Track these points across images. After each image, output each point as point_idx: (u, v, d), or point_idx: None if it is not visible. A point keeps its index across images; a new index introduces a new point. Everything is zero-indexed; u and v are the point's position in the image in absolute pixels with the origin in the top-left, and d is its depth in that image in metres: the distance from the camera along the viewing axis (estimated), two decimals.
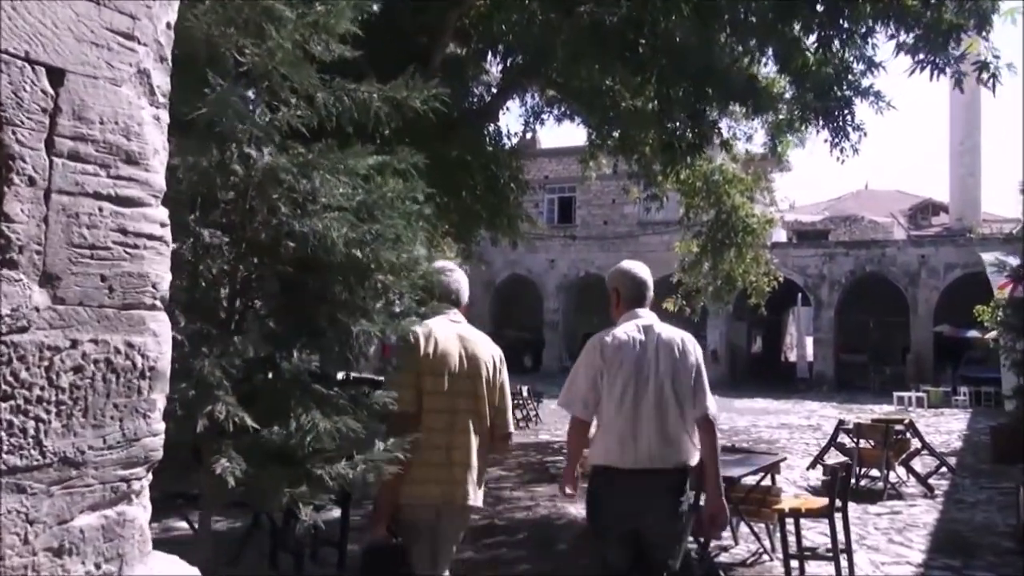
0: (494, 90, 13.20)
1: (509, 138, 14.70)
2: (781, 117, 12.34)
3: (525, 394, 17.12)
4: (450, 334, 3.40)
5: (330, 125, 2.73)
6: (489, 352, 3.53)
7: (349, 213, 2.58)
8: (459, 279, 3.68)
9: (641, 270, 3.79)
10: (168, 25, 1.85)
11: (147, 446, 1.83)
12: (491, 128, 14.12)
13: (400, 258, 2.85)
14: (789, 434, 16.26)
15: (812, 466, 11.05)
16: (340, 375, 3.03)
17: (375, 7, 8.88)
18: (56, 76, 1.59)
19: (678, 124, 9.52)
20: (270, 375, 2.53)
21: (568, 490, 3.59)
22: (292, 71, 2.43)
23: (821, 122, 10.15)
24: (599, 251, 31.87)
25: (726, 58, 8.85)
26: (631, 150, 12.20)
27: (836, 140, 10.13)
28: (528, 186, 15.84)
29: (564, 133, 62.01)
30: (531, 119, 15.41)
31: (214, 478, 2.37)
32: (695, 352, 3.62)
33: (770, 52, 9.02)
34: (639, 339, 3.52)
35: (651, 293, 3.74)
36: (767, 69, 10.45)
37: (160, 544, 1.82)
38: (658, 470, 3.42)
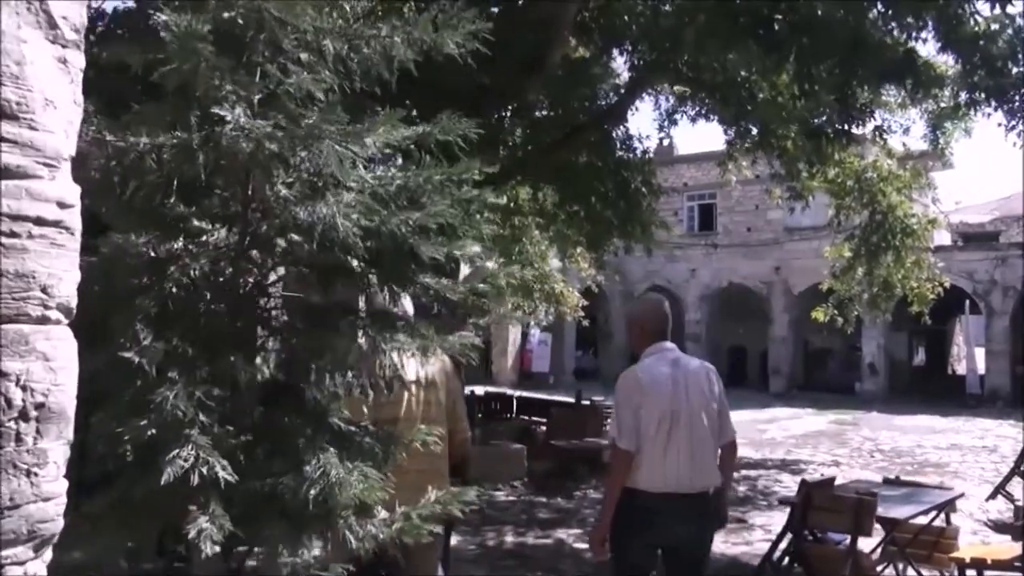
0: (622, 91, 12.45)
1: (640, 141, 13.91)
2: (943, 105, 11.03)
3: None
4: None
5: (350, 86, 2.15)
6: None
7: (366, 196, 1.99)
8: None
9: (663, 304, 4.01)
10: None
11: (32, 516, 1.27)
12: (620, 131, 13.41)
13: (447, 254, 2.22)
14: (961, 456, 14.59)
15: (992, 496, 9.69)
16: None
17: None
18: None
19: (823, 109, 8.49)
20: (272, 406, 1.97)
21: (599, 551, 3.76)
22: (283, 7, 1.87)
23: (993, 104, 8.88)
24: (743, 259, 30.37)
25: (878, 32, 7.79)
26: (772, 146, 11.18)
27: (1012, 123, 8.86)
28: (661, 191, 14.98)
29: (702, 138, 60.09)
30: (664, 121, 14.51)
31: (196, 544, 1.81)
32: (719, 383, 3.87)
33: (930, 22, 7.86)
34: (669, 372, 3.71)
35: (671, 325, 3.93)
36: (927, 49, 9.27)
37: None
38: (689, 494, 3.62)
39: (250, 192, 1.97)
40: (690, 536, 3.67)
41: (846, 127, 8.36)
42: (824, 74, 7.75)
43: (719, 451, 3.78)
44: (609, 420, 9.28)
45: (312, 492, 1.80)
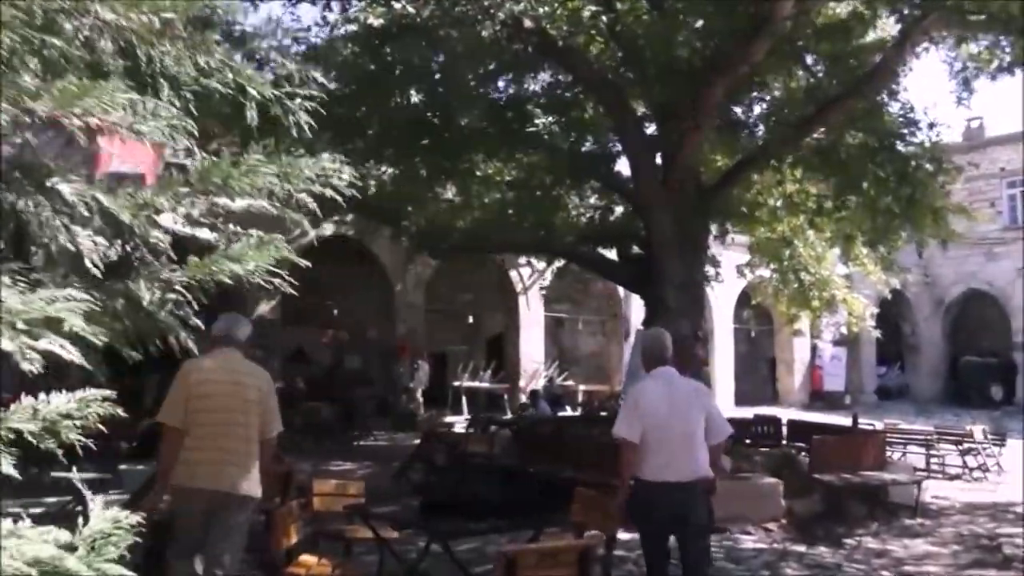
0: (888, 45, 10.26)
1: (925, 113, 11.53)
2: None
3: (980, 436, 13.25)
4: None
5: None
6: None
7: None
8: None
9: (664, 337, 5.15)
10: None
11: None
12: (895, 102, 11.17)
13: None
14: None
15: None
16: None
17: None
18: None
19: None
20: None
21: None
22: None
23: None
24: None
25: None
26: None
27: None
28: (959, 171, 12.37)
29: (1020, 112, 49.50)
30: (960, 86, 11.88)
31: None
32: (707, 395, 5.27)
33: None
34: (666, 390, 4.90)
35: (671, 353, 5.04)
36: None
37: None
38: (674, 482, 4.69)
39: None
40: (696, 515, 4.72)
41: None
42: None
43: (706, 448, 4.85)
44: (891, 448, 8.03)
45: None
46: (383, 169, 14.17)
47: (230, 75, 2.45)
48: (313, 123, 2.70)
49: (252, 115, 2.40)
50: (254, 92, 2.47)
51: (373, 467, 12.45)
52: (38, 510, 7.28)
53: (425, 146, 11.91)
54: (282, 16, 8.59)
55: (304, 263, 3.07)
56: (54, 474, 9.54)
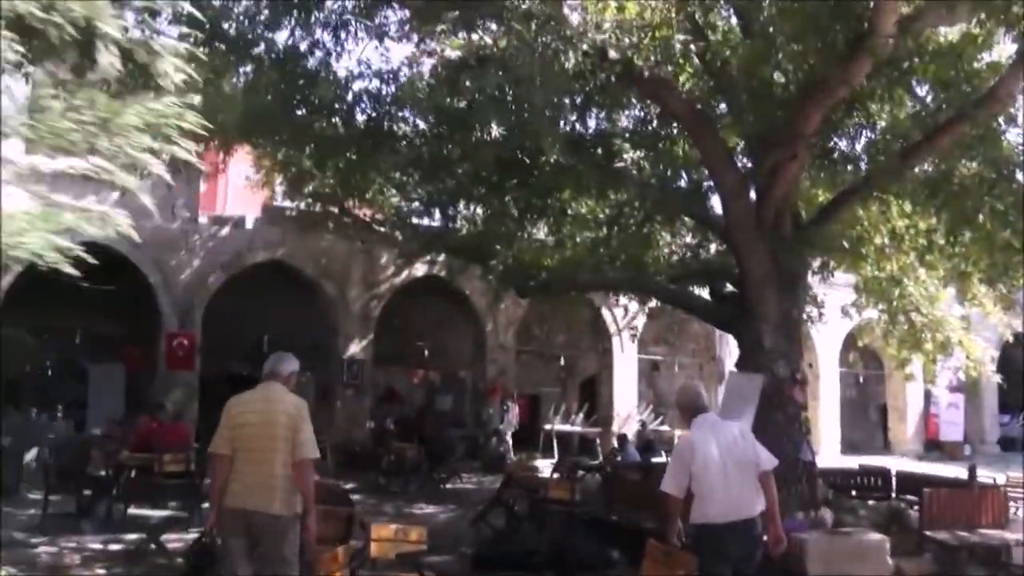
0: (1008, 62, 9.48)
1: None
2: None
3: None
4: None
5: None
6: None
7: None
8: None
9: (697, 387, 5.78)
10: None
11: None
12: (1013, 127, 10.37)
13: None
14: None
15: None
16: None
17: None
18: None
19: None
20: None
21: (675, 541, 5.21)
22: None
23: None
24: None
25: None
26: None
27: None
28: None
29: None
30: None
31: None
32: (749, 435, 5.46)
33: None
34: (711, 437, 5.18)
35: (705, 402, 5.50)
36: None
37: None
38: (740, 520, 5.02)
39: None
40: (748, 550, 5.03)
41: None
42: None
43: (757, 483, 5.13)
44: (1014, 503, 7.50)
45: None
46: (472, 208, 14.11)
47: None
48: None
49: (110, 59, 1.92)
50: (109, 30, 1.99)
51: (456, 511, 12.16)
52: (117, 547, 7.24)
53: (514, 185, 11.74)
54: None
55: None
56: (132, 511, 9.71)
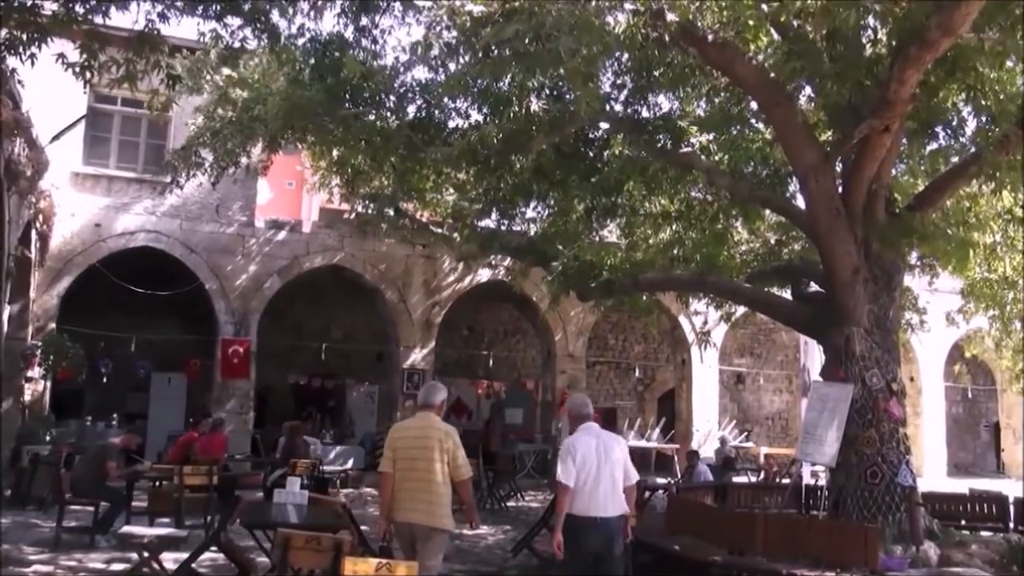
0: None
1: None
2: None
3: None
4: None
5: None
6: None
7: None
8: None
9: (584, 399, 6.36)
10: None
11: None
12: None
13: None
14: None
15: None
16: None
17: None
18: None
19: None
20: None
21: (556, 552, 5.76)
22: None
23: None
24: None
25: None
26: None
27: None
28: None
29: None
30: None
31: None
32: (624, 446, 6.04)
33: None
34: (593, 441, 5.87)
35: (592, 411, 6.17)
36: None
37: None
38: (611, 517, 5.73)
39: None
40: (615, 545, 5.76)
41: None
42: None
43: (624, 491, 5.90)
44: None
45: None
46: (535, 206, 13.14)
47: None
48: None
49: None
50: None
51: (509, 532, 11.14)
52: (119, 566, 6.36)
53: (578, 181, 10.76)
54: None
55: None
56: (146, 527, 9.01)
